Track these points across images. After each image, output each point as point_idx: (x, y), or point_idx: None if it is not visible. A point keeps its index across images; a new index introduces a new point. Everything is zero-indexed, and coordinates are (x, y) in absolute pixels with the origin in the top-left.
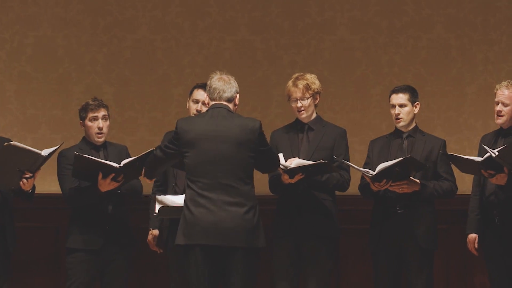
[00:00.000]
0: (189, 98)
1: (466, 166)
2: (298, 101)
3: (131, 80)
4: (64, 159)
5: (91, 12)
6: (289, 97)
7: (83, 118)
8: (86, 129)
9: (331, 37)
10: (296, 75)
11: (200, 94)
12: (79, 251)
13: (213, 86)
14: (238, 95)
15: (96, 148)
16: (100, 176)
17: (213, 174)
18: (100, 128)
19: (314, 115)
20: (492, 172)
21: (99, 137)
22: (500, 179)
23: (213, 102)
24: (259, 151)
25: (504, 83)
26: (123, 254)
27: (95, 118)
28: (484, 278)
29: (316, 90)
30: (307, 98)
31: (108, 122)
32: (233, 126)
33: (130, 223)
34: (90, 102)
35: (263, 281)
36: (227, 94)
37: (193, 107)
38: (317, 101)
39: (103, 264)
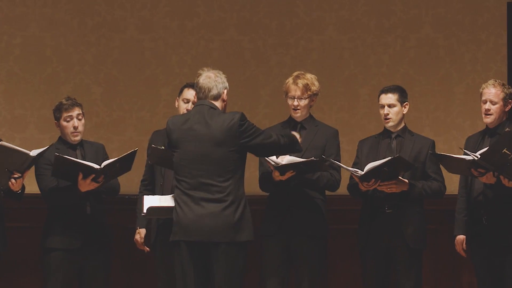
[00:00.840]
0: (179, 97)
1: (455, 165)
2: (296, 99)
3: (119, 80)
4: (42, 159)
5: (79, 12)
6: (286, 94)
7: (57, 118)
8: (62, 129)
9: (319, 37)
10: (297, 73)
11: (190, 94)
12: (57, 250)
13: (199, 85)
14: (226, 91)
15: (73, 147)
16: (80, 176)
17: (194, 173)
18: (75, 128)
19: (308, 114)
20: (482, 170)
21: (75, 136)
22: (490, 178)
23: (199, 101)
24: (241, 144)
25: (491, 82)
26: (101, 253)
27: (70, 118)
28: (472, 278)
29: (315, 92)
30: (305, 98)
31: (83, 121)
32: (212, 124)
33: (108, 222)
34: (64, 101)
35: (252, 279)
36: (213, 92)
37: (183, 107)
38: (313, 102)
39: (81, 264)
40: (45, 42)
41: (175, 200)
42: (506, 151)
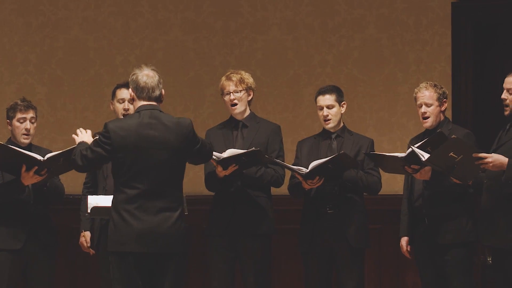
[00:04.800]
0: (113, 100)
1: (390, 164)
2: (231, 93)
3: (64, 80)
4: None
5: (24, 12)
6: (222, 91)
7: (10, 118)
8: (13, 128)
9: (263, 37)
10: (230, 71)
11: (124, 93)
12: (1, 251)
13: (141, 84)
14: (163, 90)
15: None
16: (24, 168)
17: (150, 180)
18: (27, 130)
19: (248, 112)
20: (416, 167)
21: (25, 138)
22: (424, 174)
23: (142, 103)
24: (192, 151)
25: (423, 85)
26: (47, 254)
27: (24, 120)
28: (416, 278)
29: (249, 85)
30: (240, 91)
31: (35, 124)
32: (169, 131)
33: (54, 223)
34: (19, 102)
35: (195, 282)
36: (156, 93)
37: (120, 107)
38: (250, 97)
39: (26, 264)
40: None
41: (119, 207)
42: (452, 154)
